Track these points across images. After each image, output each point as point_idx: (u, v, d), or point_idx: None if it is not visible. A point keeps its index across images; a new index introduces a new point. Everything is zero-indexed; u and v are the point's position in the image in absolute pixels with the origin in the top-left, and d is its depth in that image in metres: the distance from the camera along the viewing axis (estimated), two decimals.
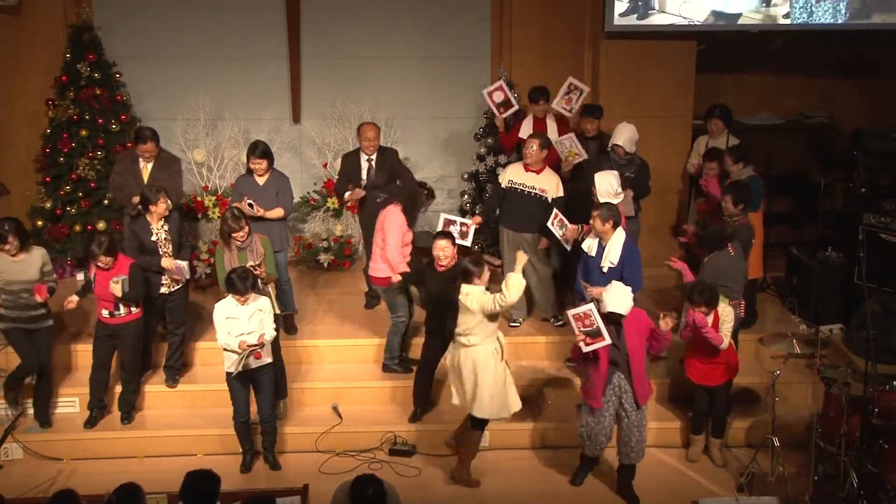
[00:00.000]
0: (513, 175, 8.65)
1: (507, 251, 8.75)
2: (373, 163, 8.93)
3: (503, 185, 8.69)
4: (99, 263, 7.68)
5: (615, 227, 7.71)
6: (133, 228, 8.08)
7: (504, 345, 7.50)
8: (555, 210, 8.32)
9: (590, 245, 7.88)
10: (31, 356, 7.90)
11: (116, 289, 7.65)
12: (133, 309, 7.88)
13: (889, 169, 10.05)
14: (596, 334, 7.02)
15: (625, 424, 7.29)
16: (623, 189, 8.25)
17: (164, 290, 8.13)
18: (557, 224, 8.26)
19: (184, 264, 8.01)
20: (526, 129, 9.18)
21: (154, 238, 8.01)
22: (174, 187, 8.52)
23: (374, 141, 8.87)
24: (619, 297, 7.04)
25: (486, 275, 7.31)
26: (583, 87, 9.09)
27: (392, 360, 8.49)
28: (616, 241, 7.74)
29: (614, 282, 7.25)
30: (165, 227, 8.04)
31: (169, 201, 7.99)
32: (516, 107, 9.30)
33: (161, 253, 8.01)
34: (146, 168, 8.54)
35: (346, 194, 8.96)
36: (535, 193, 8.57)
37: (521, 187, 8.60)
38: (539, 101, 9.18)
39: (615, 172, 8.21)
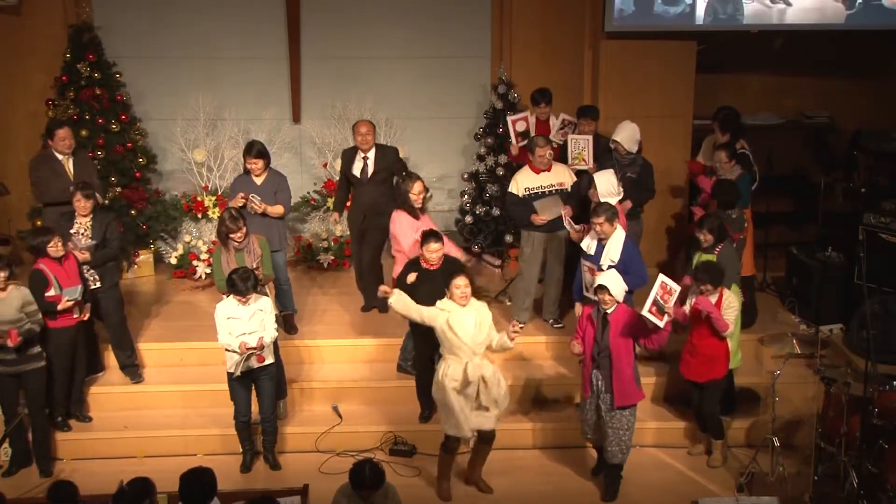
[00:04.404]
0: (526, 182, 8.59)
1: (532, 254, 8.71)
2: (369, 161, 8.86)
3: (520, 195, 8.62)
4: (50, 250, 7.52)
5: (615, 225, 7.81)
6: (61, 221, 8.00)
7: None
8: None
9: (588, 244, 7.91)
10: (9, 406, 7.59)
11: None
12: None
13: (889, 169, 10.04)
14: (661, 310, 7.04)
15: (604, 424, 7.29)
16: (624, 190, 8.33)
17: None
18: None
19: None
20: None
21: (73, 231, 7.95)
22: (96, 182, 8.50)
23: (368, 136, 8.78)
24: (614, 279, 7.15)
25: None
26: (575, 120, 9.13)
27: (406, 360, 8.46)
28: (616, 240, 7.78)
29: (613, 270, 7.36)
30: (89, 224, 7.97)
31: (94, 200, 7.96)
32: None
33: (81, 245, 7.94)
34: (68, 164, 8.44)
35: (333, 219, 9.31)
36: (555, 190, 8.59)
37: (538, 190, 8.59)
38: (541, 103, 9.19)
39: (611, 171, 8.28)
